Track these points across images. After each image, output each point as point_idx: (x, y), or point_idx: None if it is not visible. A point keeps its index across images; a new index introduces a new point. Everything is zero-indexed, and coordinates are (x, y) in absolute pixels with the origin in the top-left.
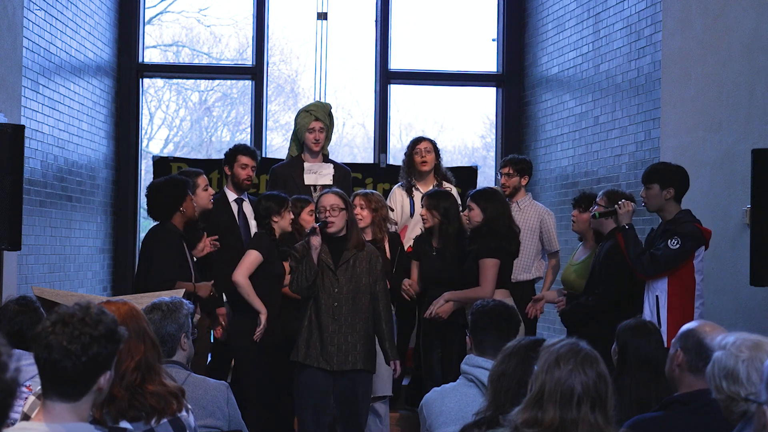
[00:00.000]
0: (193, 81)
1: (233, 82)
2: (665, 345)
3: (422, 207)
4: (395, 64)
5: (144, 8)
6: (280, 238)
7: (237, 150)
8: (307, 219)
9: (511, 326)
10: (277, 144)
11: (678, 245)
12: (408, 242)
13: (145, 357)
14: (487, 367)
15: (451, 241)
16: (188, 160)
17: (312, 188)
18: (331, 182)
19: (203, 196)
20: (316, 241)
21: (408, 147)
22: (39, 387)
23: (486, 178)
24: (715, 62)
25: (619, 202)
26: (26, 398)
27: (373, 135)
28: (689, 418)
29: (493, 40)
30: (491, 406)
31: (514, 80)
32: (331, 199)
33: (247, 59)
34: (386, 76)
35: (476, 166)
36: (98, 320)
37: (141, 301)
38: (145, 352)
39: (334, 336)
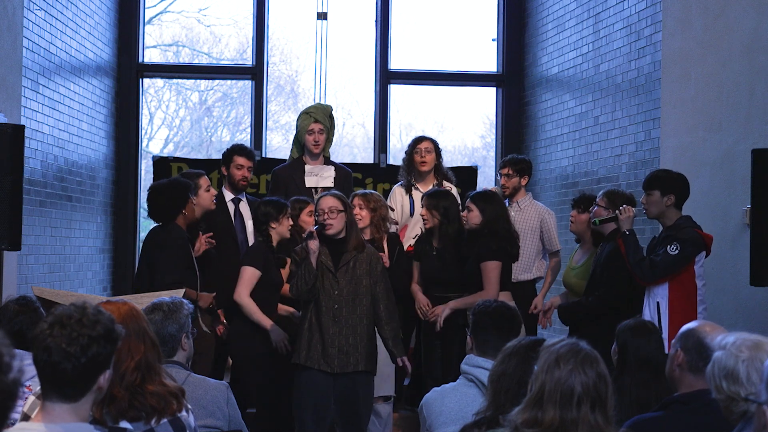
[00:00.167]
0: (193, 81)
1: (233, 82)
2: (665, 350)
3: (422, 207)
4: (395, 64)
5: (144, 8)
6: (278, 245)
7: (233, 150)
8: (306, 220)
9: (513, 327)
10: (277, 144)
11: (677, 251)
12: (408, 242)
13: (145, 357)
14: (487, 367)
15: (451, 241)
16: (188, 160)
17: (313, 191)
18: (332, 184)
19: (206, 197)
20: (313, 245)
21: (409, 146)
22: (39, 387)
23: (486, 178)
24: (715, 62)
25: (620, 208)
26: (26, 398)
27: (373, 135)
28: (689, 418)
29: (493, 40)
30: (491, 406)
31: (514, 80)
32: (329, 202)
33: (247, 59)
34: (386, 76)
35: (476, 166)
36: (95, 320)
37: (141, 301)
38: (145, 352)
39: (335, 338)
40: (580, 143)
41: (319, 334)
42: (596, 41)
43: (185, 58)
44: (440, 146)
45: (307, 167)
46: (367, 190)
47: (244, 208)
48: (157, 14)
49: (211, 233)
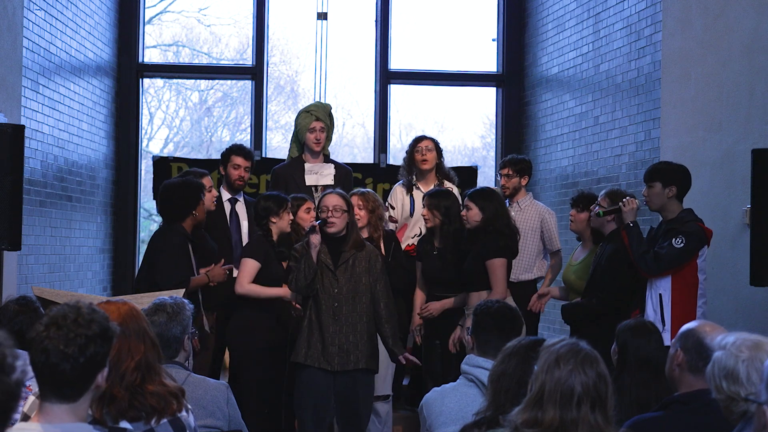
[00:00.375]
0: (193, 81)
1: (233, 82)
2: (668, 343)
3: (423, 206)
4: (395, 64)
5: (144, 8)
6: (278, 240)
7: (231, 150)
8: (304, 217)
9: (515, 327)
10: (277, 144)
11: (683, 244)
12: (407, 241)
13: (145, 357)
14: (487, 367)
15: (453, 240)
16: (188, 160)
17: (313, 189)
18: (332, 182)
19: (207, 197)
20: (315, 239)
21: (410, 145)
22: None
23: (486, 178)
24: (715, 62)
25: (624, 200)
26: (26, 398)
27: (373, 135)
28: (689, 418)
29: (493, 40)
30: (491, 406)
31: (514, 80)
32: (334, 200)
33: (247, 59)
34: (386, 76)
35: (476, 166)
36: (91, 319)
37: (141, 301)
38: (145, 352)
39: (335, 336)
40: (580, 143)
41: (318, 332)
42: (596, 41)
43: (185, 58)
44: (441, 146)
45: (306, 165)
46: (364, 189)
47: (241, 208)
48: (157, 14)
49: (231, 266)
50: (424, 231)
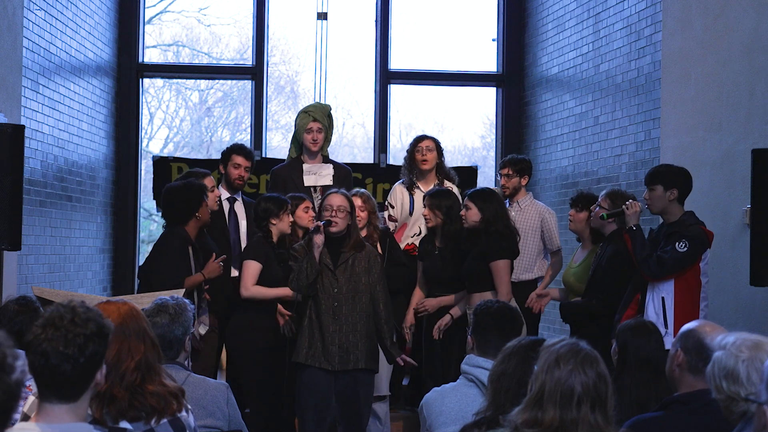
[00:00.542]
0: (193, 81)
1: (233, 82)
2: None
3: (424, 206)
4: (395, 64)
5: (144, 8)
6: (278, 241)
7: (232, 149)
8: (302, 216)
9: (515, 327)
10: (277, 144)
11: (686, 248)
12: (406, 240)
13: (145, 357)
14: (487, 367)
15: (454, 240)
16: (188, 160)
17: (312, 189)
18: (331, 183)
19: (210, 197)
20: (319, 239)
21: (410, 144)
22: None
23: (486, 178)
24: (715, 62)
25: (627, 203)
26: (26, 398)
27: (373, 135)
28: (689, 418)
29: (493, 40)
30: (491, 406)
31: (514, 80)
32: (338, 200)
33: (247, 59)
34: (386, 76)
35: (476, 166)
36: (87, 318)
37: (141, 301)
38: (145, 352)
39: (335, 336)
40: (580, 143)
41: (319, 332)
42: (596, 41)
43: (185, 58)
44: (441, 145)
45: (305, 166)
46: (362, 190)
47: (239, 208)
48: (157, 14)
49: (224, 256)
50: (423, 230)
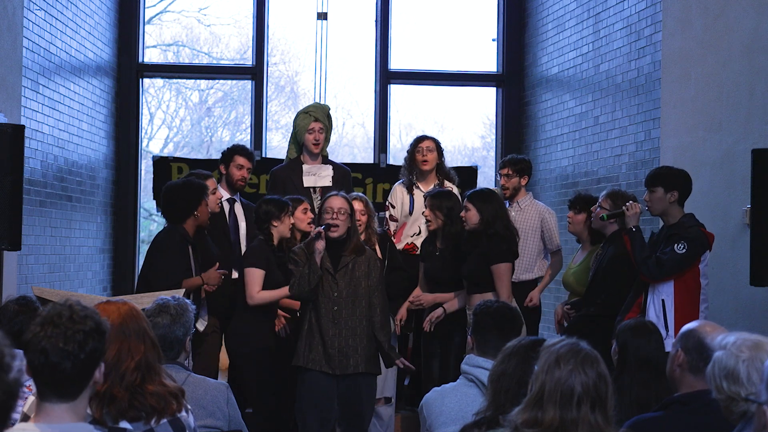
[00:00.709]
0: (193, 81)
1: (233, 82)
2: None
3: (425, 207)
4: (395, 64)
5: (144, 8)
6: (278, 245)
7: (234, 150)
8: (301, 217)
9: (514, 327)
10: (277, 144)
11: (685, 250)
12: (406, 239)
13: (145, 357)
14: (487, 367)
15: (454, 241)
16: (188, 160)
17: (311, 190)
18: (330, 183)
19: (211, 199)
20: (320, 245)
21: (411, 145)
22: None
23: (486, 178)
24: (715, 62)
25: (627, 204)
26: (26, 398)
27: (373, 135)
28: (689, 419)
29: (493, 40)
30: (491, 406)
31: (514, 80)
32: (338, 202)
33: (247, 59)
34: (386, 76)
35: (476, 166)
36: (84, 315)
37: (141, 301)
38: (145, 352)
39: (335, 340)
40: (580, 143)
41: (319, 335)
42: (596, 41)
43: (185, 58)
44: (442, 146)
45: (305, 167)
46: (361, 194)
47: (238, 209)
48: (157, 14)
49: (226, 272)
50: (422, 230)
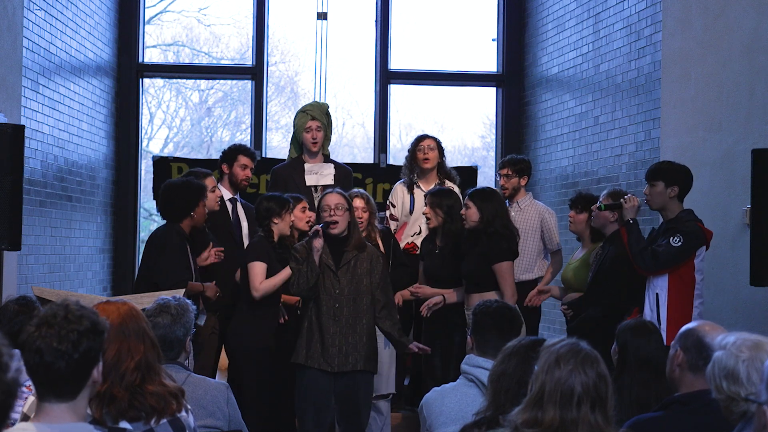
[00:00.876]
0: (193, 81)
1: (233, 82)
2: (664, 343)
3: (425, 205)
4: (395, 64)
5: (144, 8)
6: (278, 242)
7: (238, 150)
8: (299, 216)
9: (514, 327)
10: (277, 144)
11: (680, 243)
12: (406, 239)
13: (145, 357)
14: (487, 367)
15: (454, 239)
16: (188, 160)
17: (313, 189)
18: (332, 182)
19: (210, 197)
20: (318, 243)
21: (412, 144)
22: None
23: (486, 178)
24: (715, 62)
25: (625, 197)
26: (26, 398)
27: (373, 135)
28: (689, 419)
29: (493, 40)
30: (491, 406)
31: (514, 80)
32: (335, 199)
33: (247, 59)
34: (386, 76)
35: (476, 166)
36: (80, 315)
37: (141, 301)
38: (145, 352)
39: (335, 337)
40: (580, 143)
41: (319, 333)
42: (596, 41)
43: (185, 58)
44: (442, 145)
45: (306, 166)
46: (362, 191)
47: (240, 209)
48: (157, 14)
49: (222, 248)
50: (423, 229)
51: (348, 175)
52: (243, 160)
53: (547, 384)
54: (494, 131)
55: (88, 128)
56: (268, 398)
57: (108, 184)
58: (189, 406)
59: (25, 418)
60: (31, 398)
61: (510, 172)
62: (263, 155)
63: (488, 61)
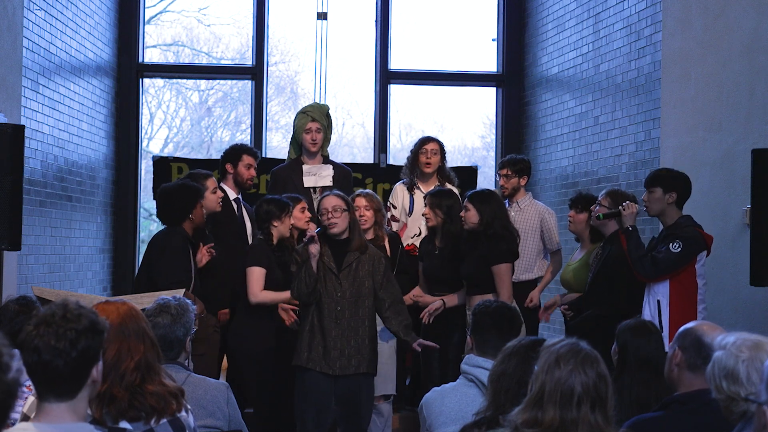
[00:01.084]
0: (193, 81)
1: (233, 82)
2: (665, 349)
3: (425, 206)
4: (395, 64)
5: (144, 8)
6: (278, 244)
7: (242, 149)
8: (299, 216)
9: (513, 327)
10: (277, 144)
11: (680, 248)
12: (406, 240)
13: (145, 357)
14: (487, 367)
15: (454, 240)
16: (188, 160)
17: (312, 190)
18: (331, 183)
19: (212, 198)
20: (314, 249)
21: (415, 145)
22: None
23: (486, 178)
24: (715, 62)
25: (623, 204)
26: (26, 398)
27: (373, 135)
28: (689, 418)
29: (493, 40)
30: (491, 406)
31: (514, 80)
32: (332, 201)
33: (247, 59)
34: (386, 76)
35: (476, 166)
36: (79, 314)
37: (141, 301)
38: (145, 352)
39: (336, 340)
40: (580, 143)
41: (320, 336)
42: (596, 41)
43: (185, 58)
44: (445, 148)
45: (305, 167)
46: (368, 190)
47: (243, 209)
48: (157, 14)
49: (212, 244)
50: (423, 230)
51: (347, 175)
52: (247, 159)
53: (547, 384)
54: (494, 131)
55: (88, 128)
56: (268, 398)
57: (108, 184)
58: (189, 406)
59: (25, 418)
60: (31, 398)
61: (510, 172)
62: (263, 155)
63: (488, 61)
